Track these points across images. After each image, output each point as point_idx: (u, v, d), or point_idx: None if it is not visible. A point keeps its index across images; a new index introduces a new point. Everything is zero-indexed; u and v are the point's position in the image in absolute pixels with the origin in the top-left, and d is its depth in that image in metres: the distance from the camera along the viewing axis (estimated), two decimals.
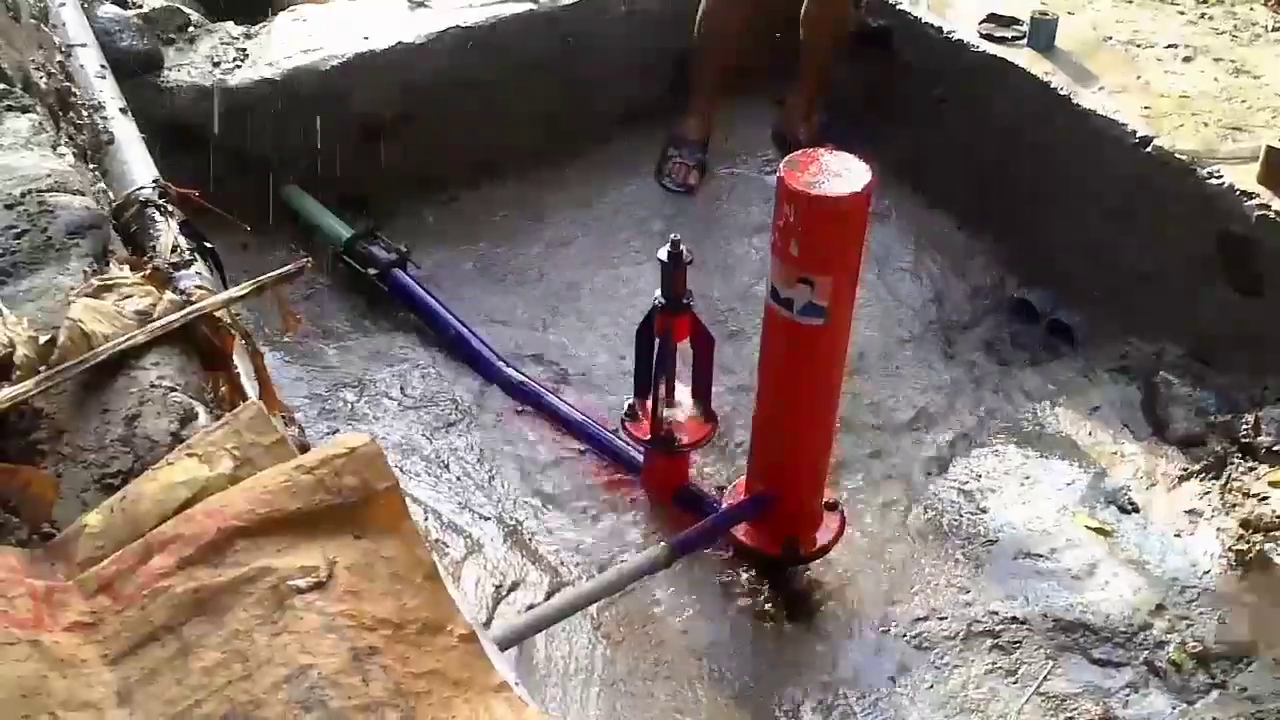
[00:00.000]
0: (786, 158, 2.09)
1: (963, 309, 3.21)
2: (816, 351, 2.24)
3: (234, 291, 1.35)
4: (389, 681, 1.05)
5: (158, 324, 1.29)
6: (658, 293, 2.35)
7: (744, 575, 2.51)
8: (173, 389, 1.26)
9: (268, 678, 1.02)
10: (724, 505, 2.51)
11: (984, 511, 2.66)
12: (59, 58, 2.20)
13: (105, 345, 1.25)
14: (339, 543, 1.14)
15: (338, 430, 2.76)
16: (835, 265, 2.11)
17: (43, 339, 1.25)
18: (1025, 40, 3.24)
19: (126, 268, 1.39)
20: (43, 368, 1.22)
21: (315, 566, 1.11)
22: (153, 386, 1.26)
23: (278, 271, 1.39)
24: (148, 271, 1.38)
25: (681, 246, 2.28)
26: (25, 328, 1.27)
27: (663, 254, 2.29)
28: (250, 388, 1.42)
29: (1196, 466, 2.69)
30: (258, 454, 1.19)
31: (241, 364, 1.43)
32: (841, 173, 2.05)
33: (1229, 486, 2.61)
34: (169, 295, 1.34)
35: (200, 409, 1.26)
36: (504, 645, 2.06)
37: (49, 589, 1.09)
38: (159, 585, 1.08)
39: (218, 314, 1.37)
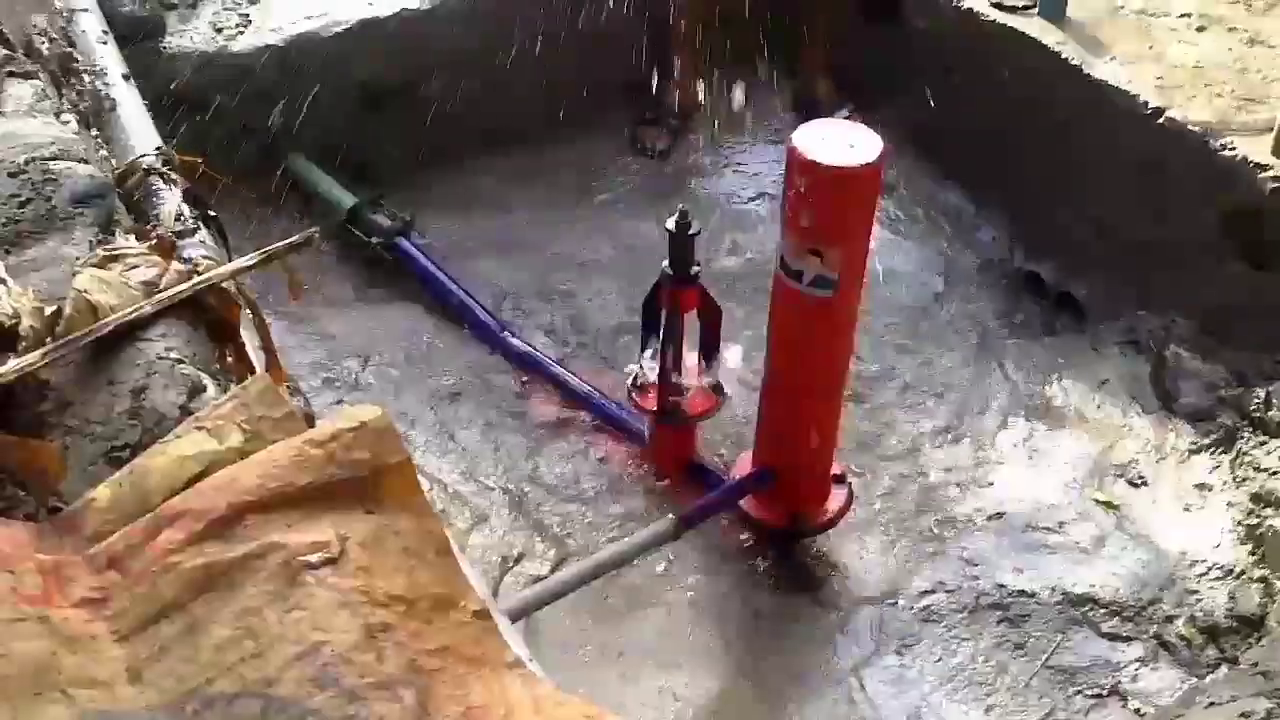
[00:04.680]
0: (797, 128, 2.06)
1: (971, 281, 3.19)
2: (825, 323, 2.22)
3: (242, 262, 1.33)
4: (402, 658, 1.04)
5: (165, 295, 1.27)
6: (665, 264, 2.33)
7: (751, 548, 2.50)
8: (180, 361, 1.24)
9: (280, 655, 1.01)
10: (731, 477, 2.49)
11: (991, 484, 2.66)
12: (60, 23, 2.16)
13: (112, 317, 1.23)
14: (350, 518, 1.12)
15: (342, 400, 2.75)
16: (845, 237, 2.09)
17: (48, 310, 1.23)
18: (1036, 9, 3.19)
19: (132, 237, 1.36)
20: (49, 339, 1.20)
21: (326, 542, 1.09)
22: (160, 358, 1.23)
23: (287, 241, 1.37)
24: (154, 241, 1.36)
25: (689, 217, 2.25)
26: (31, 298, 1.24)
27: (670, 224, 2.27)
28: (256, 358, 1.40)
29: (1206, 440, 2.68)
30: (267, 427, 1.18)
31: (247, 335, 1.41)
32: (853, 143, 2.02)
33: (1239, 461, 2.60)
34: (176, 265, 1.32)
35: (208, 381, 1.24)
36: (513, 618, 2.06)
37: (57, 564, 1.07)
38: (168, 561, 1.06)
39: (224, 284, 1.35)
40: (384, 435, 1.17)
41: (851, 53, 3.57)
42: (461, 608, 1.12)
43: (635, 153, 3.53)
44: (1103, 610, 2.38)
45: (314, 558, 1.07)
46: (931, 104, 3.39)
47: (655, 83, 3.57)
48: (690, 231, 2.26)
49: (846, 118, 2.13)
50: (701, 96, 3.61)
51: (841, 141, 2.02)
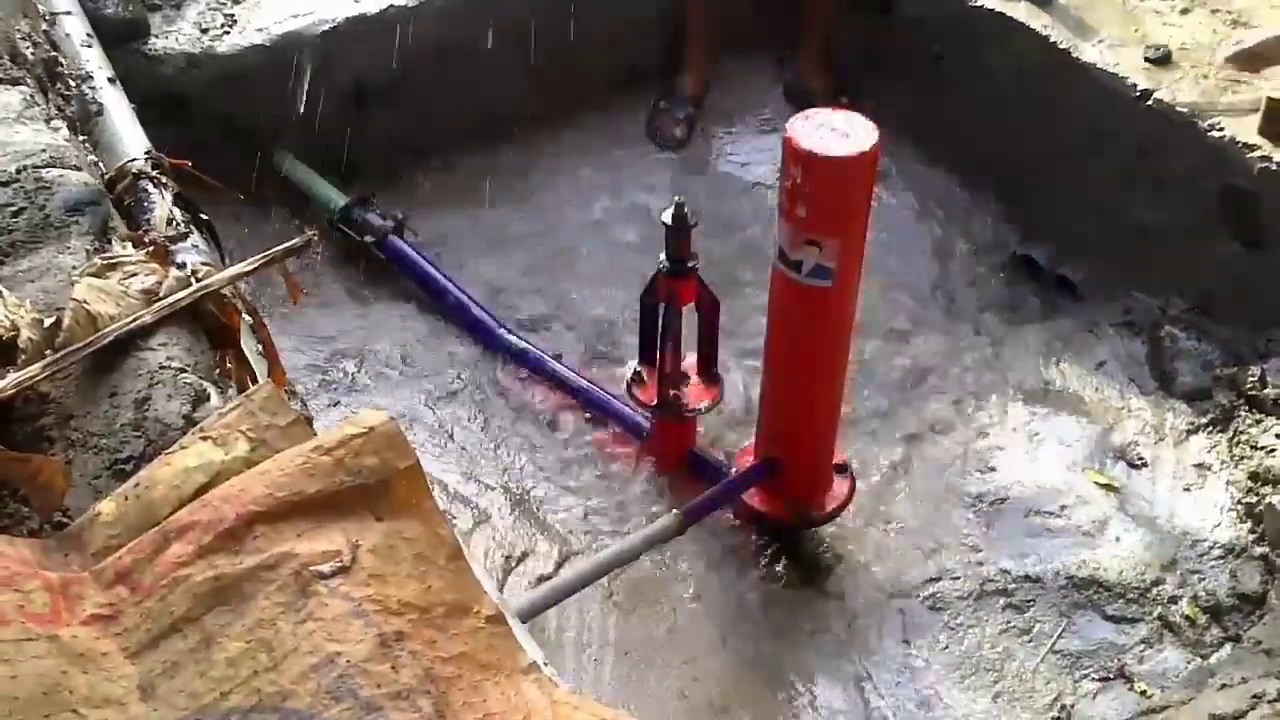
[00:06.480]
0: (792, 118, 2.05)
1: (965, 266, 3.17)
2: (825, 314, 2.21)
3: (241, 267, 1.32)
4: (418, 667, 1.03)
5: (165, 303, 1.26)
6: (662, 256, 2.32)
7: (755, 540, 2.49)
8: (183, 370, 1.23)
9: (295, 667, 1.00)
10: (733, 471, 2.49)
11: (992, 470, 2.65)
12: (44, 27, 2.14)
13: (112, 326, 1.21)
14: (361, 525, 1.12)
15: (339, 402, 2.73)
16: (843, 226, 2.07)
17: (47, 321, 1.21)
18: None
19: (129, 245, 1.35)
20: (48, 351, 1.18)
21: (338, 551, 1.08)
22: (162, 368, 1.22)
23: (286, 245, 1.35)
24: (151, 248, 1.34)
25: (685, 209, 2.24)
26: (28, 310, 1.23)
27: (666, 216, 2.25)
28: (256, 363, 1.39)
29: (1203, 420, 2.68)
30: (273, 435, 1.16)
31: (247, 340, 1.39)
32: (848, 132, 2.01)
33: (1236, 439, 2.60)
34: (174, 272, 1.30)
35: (212, 390, 1.23)
36: (521, 619, 2.04)
37: (65, 581, 1.06)
38: (178, 574, 1.05)
39: (223, 290, 1.33)
40: (392, 440, 1.16)
41: (844, 40, 3.56)
42: (475, 614, 1.12)
43: (651, 143, 3.50)
44: (1107, 593, 2.38)
45: (325, 567, 1.06)
46: (922, 91, 3.38)
47: (668, 71, 3.55)
48: (688, 223, 2.24)
49: (841, 106, 2.11)
50: (710, 84, 3.58)
51: (836, 130, 2.00)
